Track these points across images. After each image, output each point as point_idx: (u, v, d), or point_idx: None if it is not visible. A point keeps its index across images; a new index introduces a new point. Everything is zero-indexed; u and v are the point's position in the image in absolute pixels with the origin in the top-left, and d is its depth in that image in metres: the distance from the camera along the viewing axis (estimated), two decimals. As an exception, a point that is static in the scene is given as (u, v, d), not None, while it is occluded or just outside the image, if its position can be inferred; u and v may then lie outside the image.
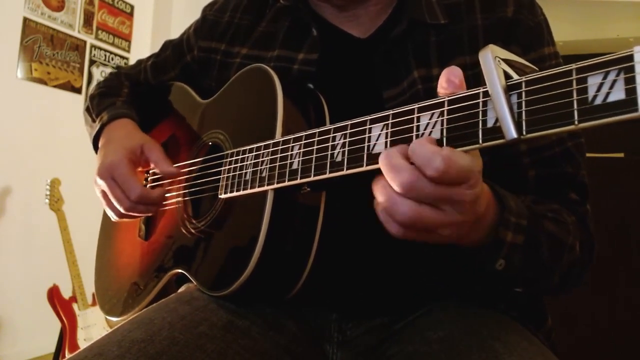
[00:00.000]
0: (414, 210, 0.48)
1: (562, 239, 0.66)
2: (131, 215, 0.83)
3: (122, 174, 0.81)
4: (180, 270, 0.79)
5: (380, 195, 0.50)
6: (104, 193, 0.84)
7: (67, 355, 2.23)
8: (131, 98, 1.00)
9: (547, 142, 0.72)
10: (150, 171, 0.89)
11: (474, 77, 0.72)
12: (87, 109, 1.00)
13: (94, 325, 2.36)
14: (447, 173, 0.46)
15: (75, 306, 2.37)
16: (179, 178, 0.87)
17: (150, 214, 0.87)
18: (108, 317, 0.96)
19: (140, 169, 0.87)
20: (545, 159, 0.73)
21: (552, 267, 0.66)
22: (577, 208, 0.72)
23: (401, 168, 0.48)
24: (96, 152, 0.93)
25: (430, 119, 0.50)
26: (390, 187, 0.49)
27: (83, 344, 2.26)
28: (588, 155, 0.75)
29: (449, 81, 0.50)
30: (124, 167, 0.81)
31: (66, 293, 2.38)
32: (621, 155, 1.79)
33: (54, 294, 2.35)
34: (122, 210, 0.82)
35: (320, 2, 0.81)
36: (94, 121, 0.96)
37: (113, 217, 0.86)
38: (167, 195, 0.86)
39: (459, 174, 0.46)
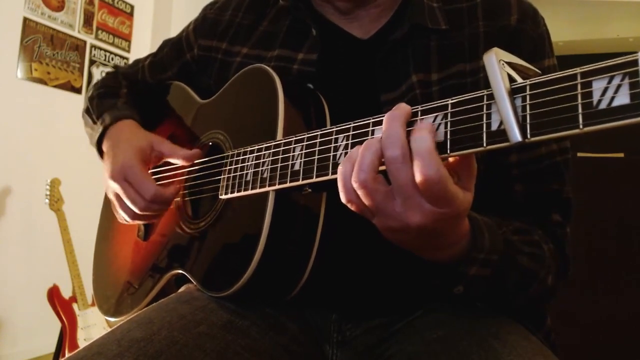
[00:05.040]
0: (371, 177, 0.49)
1: (535, 272, 0.67)
2: (145, 215, 0.82)
3: (135, 174, 0.80)
4: (180, 271, 0.79)
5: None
6: (117, 196, 0.83)
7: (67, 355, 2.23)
8: (131, 98, 1.00)
9: (537, 155, 0.72)
10: (152, 170, 0.89)
11: (473, 84, 0.72)
12: (87, 111, 0.99)
13: (94, 325, 2.36)
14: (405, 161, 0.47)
15: (75, 306, 2.37)
16: (179, 178, 0.87)
17: (161, 215, 0.86)
18: (106, 318, 0.96)
19: (150, 168, 0.87)
20: (532, 173, 0.73)
21: (517, 296, 0.68)
22: (557, 231, 0.73)
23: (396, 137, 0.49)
24: (99, 154, 0.93)
25: (433, 122, 0.49)
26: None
27: (83, 344, 2.25)
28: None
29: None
30: (136, 168, 0.81)
31: (66, 293, 2.38)
32: (621, 155, 1.79)
33: (54, 294, 2.35)
34: (137, 210, 0.81)
35: (322, 1, 0.81)
36: (94, 122, 0.95)
37: (125, 220, 0.85)
38: None
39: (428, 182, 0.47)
